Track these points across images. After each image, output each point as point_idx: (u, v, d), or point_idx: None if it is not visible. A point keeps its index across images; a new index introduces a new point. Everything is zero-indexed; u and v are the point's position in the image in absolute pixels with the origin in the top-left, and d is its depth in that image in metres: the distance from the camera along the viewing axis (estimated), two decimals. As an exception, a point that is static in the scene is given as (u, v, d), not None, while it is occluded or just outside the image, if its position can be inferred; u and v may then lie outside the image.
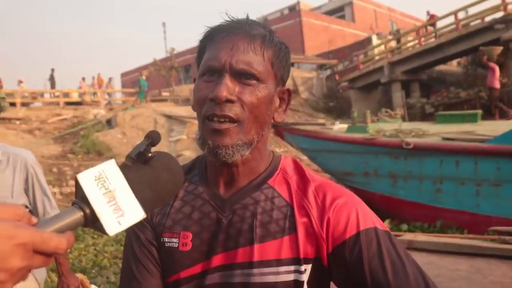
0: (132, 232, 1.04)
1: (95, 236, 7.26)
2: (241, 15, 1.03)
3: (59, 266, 2.42)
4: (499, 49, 13.21)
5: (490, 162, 6.44)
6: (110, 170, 0.64)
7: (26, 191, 2.33)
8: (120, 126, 17.93)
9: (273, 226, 0.95)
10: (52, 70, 26.93)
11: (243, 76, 0.94)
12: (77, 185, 0.62)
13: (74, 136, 17.33)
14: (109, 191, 0.62)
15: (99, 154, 15.31)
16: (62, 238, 0.56)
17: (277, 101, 1.03)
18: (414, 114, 16.63)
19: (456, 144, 6.90)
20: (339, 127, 9.57)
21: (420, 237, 4.97)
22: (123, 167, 0.66)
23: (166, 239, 1.00)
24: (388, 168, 7.67)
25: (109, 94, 27.18)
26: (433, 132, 7.64)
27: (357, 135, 8.20)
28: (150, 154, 0.70)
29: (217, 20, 1.03)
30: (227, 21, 1.01)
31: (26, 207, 2.33)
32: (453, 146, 6.87)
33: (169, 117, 18.35)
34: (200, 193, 1.03)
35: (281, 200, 0.99)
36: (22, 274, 0.53)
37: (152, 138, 0.71)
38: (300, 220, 0.95)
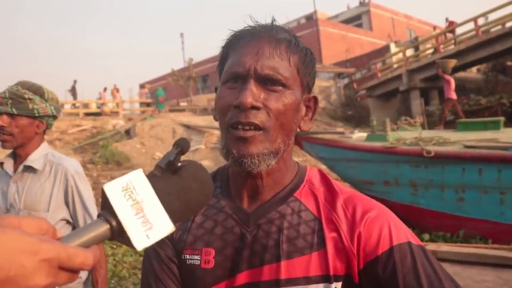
0: (151, 248, 0.99)
1: (114, 246, 7.28)
2: (263, 22, 0.99)
3: (95, 273, 2.25)
4: (453, 62, 13.34)
5: (514, 170, 6.29)
6: (137, 180, 0.60)
7: (67, 203, 2.20)
8: (139, 136, 18.07)
9: (301, 242, 0.91)
10: (75, 81, 27.39)
11: (268, 82, 0.90)
12: (103, 196, 0.58)
13: (93, 146, 17.52)
14: (137, 202, 0.58)
15: (118, 164, 15.43)
16: (88, 253, 0.53)
17: (303, 109, 0.99)
18: (433, 122, 16.44)
19: (478, 152, 6.77)
20: (358, 136, 9.49)
21: (444, 247, 4.87)
22: (151, 177, 0.63)
23: (188, 256, 0.96)
24: (408, 177, 7.56)
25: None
26: (454, 140, 7.52)
27: (377, 144, 8.11)
28: (180, 164, 0.66)
29: (235, 29, 0.99)
30: (250, 25, 0.97)
31: (68, 222, 2.21)
32: (476, 154, 6.75)
33: (187, 127, 18.44)
34: (222, 207, 0.99)
35: (308, 214, 0.94)
36: None
37: (182, 146, 0.68)
38: (329, 235, 0.90)
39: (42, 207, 2.14)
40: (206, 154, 15.87)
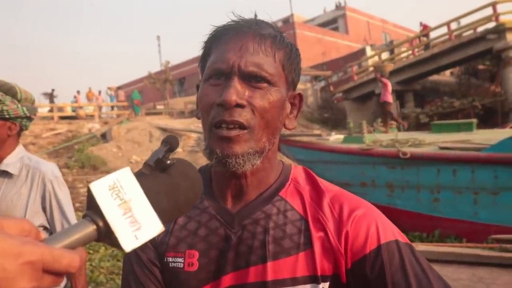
0: (132, 252, 0.97)
1: (91, 252, 7.17)
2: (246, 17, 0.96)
3: (74, 280, 2.13)
4: (390, 66, 13.74)
5: (487, 171, 6.44)
6: (125, 178, 0.57)
7: (44, 209, 2.09)
8: (115, 140, 17.86)
9: (287, 242, 0.88)
10: (52, 90, 26.90)
11: (253, 79, 0.87)
12: (89, 196, 0.55)
13: (68, 150, 17.23)
14: (125, 202, 0.56)
15: (94, 168, 15.22)
16: (74, 255, 0.50)
17: (288, 107, 0.96)
18: (408, 124, 16.70)
19: (453, 153, 6.91)
20: (335, 138, 9.58)
21: (420, 246, 4.94)
22: (139, 175, 0.60)
23: (170, 259, 0.93)
24: (385, 178, 7.66)
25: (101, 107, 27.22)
26: (430, 142, 7.66)
27: (354, 146, 8.20)
28: (169, 161, 0.64)
29: (218, 24, 0.95)
30: (233, 20, 0.93)
31: (45, 228, 2.10)
32: (450, 155, 6.88)
33: (164, 130, 18.31)
34: (205, 208, 0.95)
35: (294, 213, 0.91)
36: None
37: (170, 143, 0.65)
38: (316, 235, 0.88)
39: (19, 213, 2.02)
40: (184, 157, 15.72)
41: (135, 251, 0.94)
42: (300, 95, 0.99)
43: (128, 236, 0.55)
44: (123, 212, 0.55)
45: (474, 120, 9.23)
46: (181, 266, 0.91)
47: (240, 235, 0.90)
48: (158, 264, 0.94)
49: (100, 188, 0.55)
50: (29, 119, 2.13)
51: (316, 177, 1.00)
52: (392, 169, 7.54)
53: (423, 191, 7.20)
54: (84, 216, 0.55)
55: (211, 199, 0.96)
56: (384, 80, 12.48)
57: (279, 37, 0.92)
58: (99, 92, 27.36)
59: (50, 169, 2.15)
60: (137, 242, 0.56)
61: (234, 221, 0.92)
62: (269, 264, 0.87)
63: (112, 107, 26.83)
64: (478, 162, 6.54)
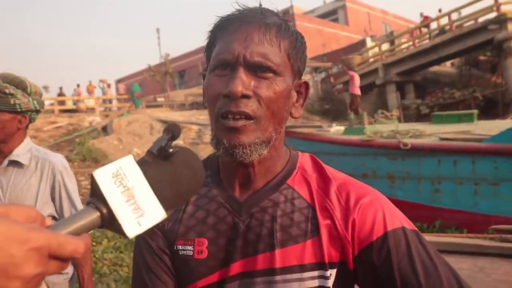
0: (142, 240, 0.97)
1: (94, 244, 7.21)
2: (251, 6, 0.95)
3: (80, 269, 2.20)
4: (358, 58, 13.74)
5: (487, 161, 6.46)
6: (128, 166, 0.58)
7: (53, 200, 2.14)
8: (116, 133, 17.87)
9: (295, 230, 0.89)
10: (60, 88, 26.94)
11: (258, 69, 0.87)
12: (93, 183, 0.56)
13: (69, 143, 17.25)
14: (128, 189, 0.56)
15: (95, 161, 15.23)
16: (79, 241, 0.51)
17: (294, 95, 0.96)
18: (409, 115, 16.70)
19: (453, 144, 6.92)
20: (335, 129, 9.59)
21: (421, 237, 4.96)
22: (141, 163, 0.60)
23: (180, 247, 0.94)
24: (386, 169, 7.68)
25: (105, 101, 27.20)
26: (430, 133, 7.67)
27: (355, 137, 8.22)
28: (171, 150, 0.64)
29: (213, 22, 0.94)
30: (238, 9, 0.93)
31: (54, 218, 2.14)
32: (451, 146, 6.89)
33: (165, 122, 18.31)
34: (214, 196, 0.96)
35: (301, 201, 0.92)
36: (37, 281, 0.48)
37: (173, 132, 0.65)
38: (323, 222, 0.89)
39: (29, 203, 2.05)
40: (185, 150, 15.78)
41: (145, 240, 0.96)
42: (306, 84, 0.99)
43: (131, 223, 0.55)
44: (126, 199, 0.56)
45: (475, 111, 9.24)
46: (191, 254, 0.92)
47: (248, 223, 0.91)
48: (168, 252, 0.95)
49: (104, 176, 0.56)
50: (38, 112, 2.17)
51: (323, 164, 1.00)
52: (393, 160, 7.56)
53: (424, 182, 7.23)
54: (88, 203, 0.56)
55: (219, 188, 0.97)
56: (351, 72, 12.52)
57: (284, 25, 0.92)
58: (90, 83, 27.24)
59: (59, 160, 2.20)
60: (140, 228, 0.56)
61: (242, 209, 0.93)
62: (277, 251, 0.88)
63: (110, 100, 26.79)
64: (479, 153, 6.55)
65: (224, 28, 0.91)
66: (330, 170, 0.99)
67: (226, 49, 0.88)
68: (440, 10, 21.78)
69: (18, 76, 2.09)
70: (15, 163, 2.11)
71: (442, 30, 18.99)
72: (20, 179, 2.09)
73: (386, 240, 0.85)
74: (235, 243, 0.91)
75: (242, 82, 0.85)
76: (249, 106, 0.85)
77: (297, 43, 0.93)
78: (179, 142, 16.18)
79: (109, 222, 0.55)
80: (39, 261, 0.47)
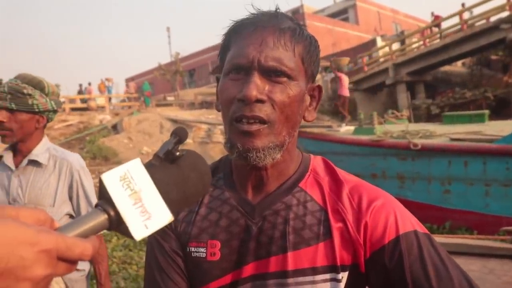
0: (155, 241, 0.98)
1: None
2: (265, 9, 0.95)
3: (97, 266, 2.26)
4: (346, 60, 13.68)
5: (499, 162, 6.41)
6: (135, 169, 0.59)
7: (70, 199, 2.19)
8: (126, 131, 17.97)
9: (307, 232, 0.90)
10: (80, 85, 27.21)
11: (273, 74, 0.87)
12: (101, 186, 0.57)
13: (80, 141, 17.39)
14: (135, 192, 0.58)
15: (105, 159, 15.33)
16: (87, 244, 0.52)
17: (307, 99, 0.97)
18: (419, 115, 16.61)
19: (464, 144, 6.88)
20: (345, 129, 9.57)
21: (430, 238, 4.94)
22: (149, 167, 0.61)
23: (193, 249, 0.95)
24: (396, 170, 7.65)
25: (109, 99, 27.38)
26: (441, 133, 7.62)
27: (364, 137, 8.19)
28: (178, 153, 0.65)
29: (223, 24, 0.95)
30: (252, 13, 0.94)
31: (71, 216, 2.21)
32: (461, 147, 6.85)
33: (174, 121, 18.37)
34: (227, 199, 0.97)
35: (314, 204, 0.93)
36: (46, 282, 0.49)
37: (180, 135, 0.66)
38: (335, 225, 0.90)
39: (48, 201, 2.11)
40: (194, 149, 15.69)
41: (158, 241, 0.97)
42: (319, 87, 1.00)
43: (138, 225, 0.56)
44: (133, 202, 0.57)
45: (486, 111, 9.17)
46: (204, 256, 0.94)
47: (260, 226, 0.93)
48: (181, 253, 0.97)
49: (112, 179, 0.58)
50: (55, 112, 2.24)
51: (335, 167, 1.01)
52: (403, 161, 7.53)
53: (434, 183, 7.19)
54: (96, 206, 0.57)
55: (232, 190, 0.98)
56: (339, 74, 12.52)
57: (298, 30, 0.92)
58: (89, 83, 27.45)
59: (77, 159, 2.26)
60: (147, 231, 0.57)
61: (255, 211, 0.94)
62: (290, 254, 0.89)
63: (121, 99, 26.97)
64: (490, 153, 6.50)
65: (238, 32, 0.92)
66: (342, 173, 1.00)
67: (241, 54, 0.89)
68: (463, 5, 21.29)
69: (36, 77, 2.14)
70: (34, 163, 2.16)
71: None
72: (39, 178, 2.14)
73: (398, 243, 0.86)
74: (247, 245, 0.92)
75: (257, 86, 0.86)
76: (263, 111, 0.86)
77: (311, 47, 0.94)
78: (188, 141, 16.23)
79: (117, 224, 0.57)
80: (48, 263, 0.48)
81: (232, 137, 0.89)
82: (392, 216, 0.89)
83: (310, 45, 0.94)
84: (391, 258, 0.85)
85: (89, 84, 26.94)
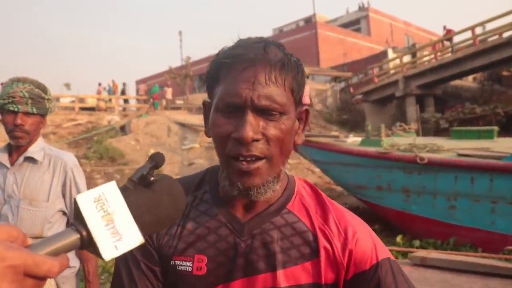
0: (130, 254, 0.97)
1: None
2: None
3: (86, 264, 2.36)
4: (308, 70, 13.64)
5: (506, 180, 6.35)
6: (110, 192, 0.63)
7: (64, 195, 2.29)
8: (134, 133, 18.04)
9: (294, 252, 0.95)
10: (124, 84, 27.60)
11: (265, 112, 0.90)
12: (76, 206, 0.60)
13: (88, 141, 17.47)
14: (108, 214, 0.61)
15: (112, 160, 15.40)
16: (55, 261, 0.54)
17: (296, 124, 0.99)
18: (428, 129, 16.52)
19: (471, 160, 6.82)
20: (352, 140, 9.53)
21: (434, 254, 4.88)
22: (123, 190, 0.65)
23: (178, 262, 0.96)
24: (401, 183, 7.61)
25: (125, 100, 27.51)
26: (448, 148, 7.57)
27: (371, 149, 8.15)
28: (152, 178, 0.68)
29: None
30: (241, 45, 0.95)
31: (64, 213, 2.31)
32: (469, 163, 6.79)
33: (182, 125, 18.43)
34: (215, 215, 0.99)
35: (301, 225, 0.98)
36: None
37: (156, 161, 0.69)
38: (322, 246, 0.96)
39: (42, 197, 2.21)
40: (201, 153, 15.86)
41: (133, 255, 0.98)
42: (306, 111, 1.02)
43: (109, 246, 0.59)
44: (105, 224, 0.60)
45: (495, 128, 9.09)
46: (190, 270, 0.95)
47: (249, 244, 0.96)
48: (156, 268, 0.98)
49: (86, 200, 0.61)
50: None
51: (320, 191, 1.07)
52: (409, 174, 7.48)
53: (440, 198, 7.13)
54: (70, 225, 0.60)
55: (219, 206, 1.00)
56: None
57: (287, 60, 0.93)
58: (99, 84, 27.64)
59: (71, 158, 2.38)
60: (117, 252, 0.60)
61: (243, 230, 0.97)
62: (278, 272, 0.93)
63: (126, 100, 27.12)
64: (497, 170, 6.45)
65: (229, 67, 0.92)
66: (327, 198, 1.06)
67: (234, 93, 0.89)
68: (444, 28, 21.64)
69: (40, 82, 2.28)
70: (30, 160, 2.27)
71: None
72: (34, 174, 2.25)
73: (377, 269, 0.96)
74: (235, 262, 0.94)
75: (252, 126, 0.88)
76: (259, 148, 0.89)
77: (298, 76, 0.95)
78: (195, 145, 16.26)
79: (88, 244, 0.60)
80: (14, 279, 0.50)
81: (231, 176, 0.92)
82: (372, 245, 0.99)
83: (298, 73, 0.95)
84: (370, 281, 0.95)
85: (99, 84, 27.09)
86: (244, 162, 0.89)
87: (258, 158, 0.89)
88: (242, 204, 0.99)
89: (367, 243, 0.98)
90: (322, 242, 0.96)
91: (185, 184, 0.99)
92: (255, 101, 0.88)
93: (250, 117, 0.88)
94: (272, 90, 0.89)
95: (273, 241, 0.95)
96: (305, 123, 1.03)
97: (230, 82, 0.91)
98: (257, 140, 0.88)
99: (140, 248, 0.93)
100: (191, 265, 0.95)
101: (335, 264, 0.95)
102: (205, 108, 1.02)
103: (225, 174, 0.93)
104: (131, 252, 0.94)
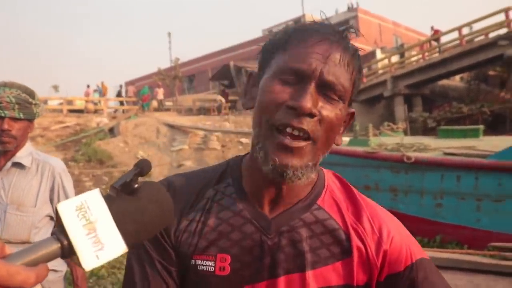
0: (144, 252, 0.91)
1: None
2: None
3: (74, 267, 2.36)
4: None
5: (491, 178, 6.41)
6: (93, 200, 0.61)
7: (51, 201, 2.28)
8: (123, 135, 17.96)
9: (324, 251, 0.89)
10: (121, 86, 27.44)
11: (328, 90, 0.84)
12: (57, 215, 0.59)
13: (76, 144, 17.35)
14: (90, 222, 0.59)
15: (100, 162, 15.32)
16: (30, 273, 0.53)
17: (343, 123, 0.93)
18: (416, 128, 16.63)
19: (457, 159, 6.88)
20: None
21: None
22: (107, 198, 0.62)
23: (199, 262, 0.89)
24: (389, 182, 7.65)
25: (121, 102, 27.37)
26: (435, 147, 7.62)
27: (359, 148, 8.19)
28: (136, 185, 0.65)
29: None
30: (316, 23, 0.90)
31: (52, 218, 2.29)
32: (455, 161, 6.86)
33: (171, 126, 18.38)
34: (239, 211, 0.91)
35: (332, 223, 0.91)
36: None
37: (141, 167, 0.66)
38: (355, 246, 0.89)
39: (30, 202, 2.20)
40: (190, 155, 15.83)
41: (147, 251, 0.90)
42: (353, 113, 0.96)
43: (89, 256, 0.58)
44: (87, 232, 0.58)
45: (481, 127, 9.16)
46: (212, 270, 0.88)
47: (277, 242, 0.89)
48: (172, 268, 0.91)
49: (67, 208, 0.59)
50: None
51: (350, 185, 1.00)
52: (396, 173, 7.53)
53: (426, 196, 7.19)
54: (52, 234, 0.58)
55: (244, 201, 0.93)
56: None
57: (357, 53, 0.90)
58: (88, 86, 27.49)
59: (58, 163, 2.37)
60: (98, 262, 0.58)
61: (270, 227, 0.90)
62: (307, 273, 0.87)
63: (122, 102, 27.01)
64: (483, 169, 6.51)
65: (302, 37, 0.87)
66: (359, 194, 0.99)
67: (303, 60, 0.84)
68: (432, 28, 21.89)
69: (27, 86, 2.25)
70: (18, 165, 2.25)
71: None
72: (22, 179, 2.23)
73: (412, 270, 0.90)
74: (262, 262, 0.88)
75: (312, 99, 0.82)
76: (311, 125, 0.82)
77: (360, 73, 0.91)
78: (184, 147, 16.22)
79: (69, 253, 0.58)
80: None
81: (269, 149, 0.84)
82: (407, 245, 0.93)
83: (360, 70, 0.91)
84: (405, 282, 0.90)
85: (88, 86, 26.93)
86: (289, 137, 0.82)
87: (304, 138, 0.82)
88: (269, 198, 0.92)
89: (402, 242, 0.92)
90: (355, 241, 0.90)
91: (205, 177, 0.97)
92: (324, 73, 0.82)
93: (313, 90, 0.82)
94: (342, 72, 0.84)
95: (302, 240, 0.88)
96: (346, 126, 0.96)
97: (300, 50, 0.85)
98: (312, 116, 0.82)
99: (155, 245, 0.90)
100: (213, 264, 0.88)
101: (368, 265, 0.89)
102: (249, 79, 0.96)
103: (261, 145, 0.85)
104: (145, 250, 0.90)
